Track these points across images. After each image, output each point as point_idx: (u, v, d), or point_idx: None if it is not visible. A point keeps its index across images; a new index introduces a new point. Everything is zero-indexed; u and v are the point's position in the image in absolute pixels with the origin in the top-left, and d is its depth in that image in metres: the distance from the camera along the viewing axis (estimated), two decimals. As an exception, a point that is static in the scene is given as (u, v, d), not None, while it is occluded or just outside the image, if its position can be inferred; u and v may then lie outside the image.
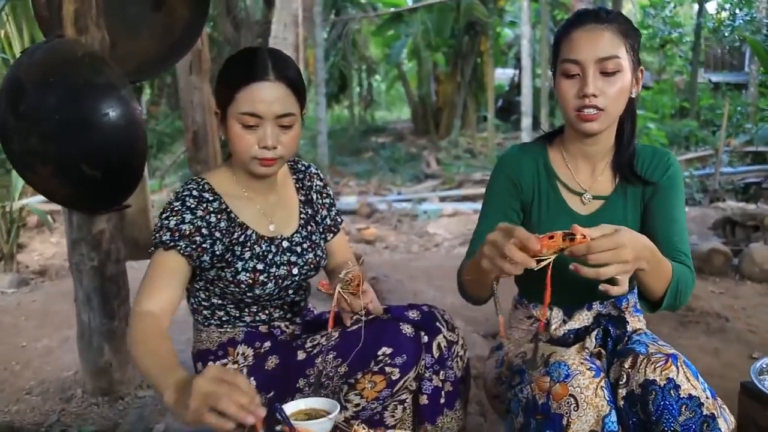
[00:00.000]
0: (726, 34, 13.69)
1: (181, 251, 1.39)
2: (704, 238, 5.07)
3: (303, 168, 1.69)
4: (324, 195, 1.70)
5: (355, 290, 1.42)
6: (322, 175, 1.73)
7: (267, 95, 1.38)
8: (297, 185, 1.66)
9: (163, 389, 1.14)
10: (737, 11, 12.86)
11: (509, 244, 1.11)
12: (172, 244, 1.38)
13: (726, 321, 3.10)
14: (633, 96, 1.43)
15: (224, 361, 1.54)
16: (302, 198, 1.65)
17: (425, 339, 1.47)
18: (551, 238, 1.13)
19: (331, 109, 18.26)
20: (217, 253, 1.44)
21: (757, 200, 7.18)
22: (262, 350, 1.56)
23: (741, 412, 1.51)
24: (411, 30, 14.02)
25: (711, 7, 15.16)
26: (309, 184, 1.67)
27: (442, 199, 8.61)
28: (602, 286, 1.16)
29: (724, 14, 15.16)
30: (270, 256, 1.52)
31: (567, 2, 11.87)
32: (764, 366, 1.51)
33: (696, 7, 15.10)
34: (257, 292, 1.50)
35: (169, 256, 1.39)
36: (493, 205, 1.56)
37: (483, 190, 1.66)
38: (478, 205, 1.96)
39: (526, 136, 10.24)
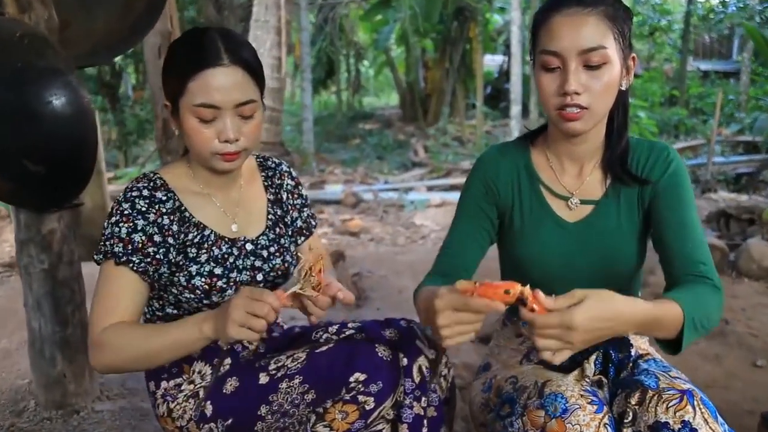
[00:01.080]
0: (716, 22, 13.56)
1: (134, 267, 1.24)
2: (698, 232, 4.93)
3: (273, 165, 1.53)
4: (295, 195, 1.54)
5: (318, 285, 1.21)
6: (294, 174, 1.56)
7: (223, 82, 1.21)
8: (265, 183, 1.50)
9: (202, 331, 1.19)
10: (728, -2, 12.73)
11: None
12: (124, 258, 1.23)
13: (726, 323, 2.96)
14: (623, 88, 1.24)
15: (178, 380, 1.38)
16: (271, 197, 1.49)
17: (404, 362, 1.31)
18: (507, 292, 0.97)
19: (318, 94, 18.00)
20: (171, 260, 1.29)
21: (750, 191, 7.09)
22: (221, 368, 1.39)
23: (759, 444, 1.35)
24: (399, 15, 13.75)
25: (700, -5, 15.05)
26: (279, 182, 1.51)
27: (430, 189, 8.44)
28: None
29: (714, 1, 15.04)
30: (231, 260, 1.35)
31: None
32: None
33: (686, -6, 14.97)
34: (215, 299, 1.33)
35: (121, 273, 1.24)
36: (466, 212, 1.39)
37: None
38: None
39: (515, 123, 10.09)
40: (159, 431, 2.00)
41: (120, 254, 1.23)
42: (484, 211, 1.37)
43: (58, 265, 2.07)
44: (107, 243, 1.24)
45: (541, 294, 0.98)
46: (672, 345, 1.12)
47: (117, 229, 1.24)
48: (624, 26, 1.20)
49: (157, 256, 1.27)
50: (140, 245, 1.25)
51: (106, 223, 1.28)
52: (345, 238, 5.69)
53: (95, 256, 1.27)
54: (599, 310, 0.98)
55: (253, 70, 1.27)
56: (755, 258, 3.74)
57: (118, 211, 1.27)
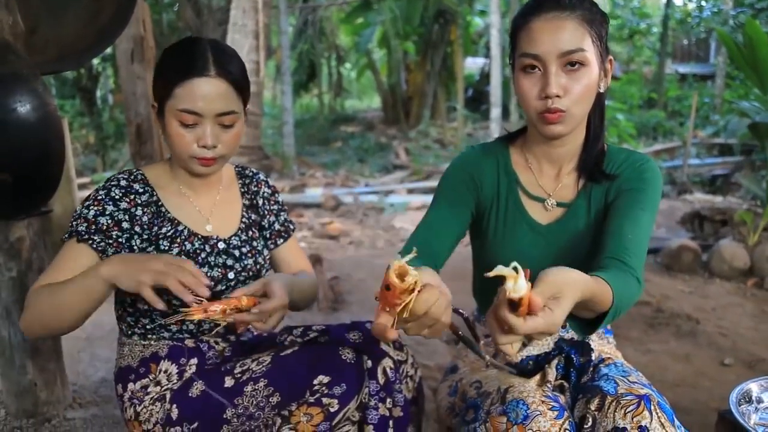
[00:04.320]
0: (692, 26, 13.76)
1: (94, 245, 1.30)
2: (673, 233, 5.01)
3: (250, 174, 1.61)
4: (272, 201, 1.61)
5: (231, 310, 1.27)
6: (271, 183, 1.64)
7: (207, 92, 1.29)
8: (242, 189, 1.57)
9: (98, 272, 1.20)
10: (704, 3, 12.91)
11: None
12: (86, 236, 1.29)
13: (696, 323, 3.00)
14: (601, 91, 1.25)
15: (145, 381, 1.40)
16: (246, 202, 1.55)
17: (369, 364, 1.34)
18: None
19: (300, 97, 17.96)
20: (134, 247, 1.35)
21: (724, 192, 7.20)
22: (187, 369, 1.41)
23: (718, 443, 1.37)
24: (380, 18, 13.78)
25: (678, -1, 15.28)
26: (255, 189, 1.58)
27: (410, 191, 8.46)
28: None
29: (691, 6, 15.26)
30: (203, 255, 1.41)
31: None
32: (743, 393, 1.36)
33: (664, -3, 15.19)
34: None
35: (80, 250, 1.30)
36: (446, 197, 1.36)
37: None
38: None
39: (495, 126, 10.14)
40: (130, 438, 1.99)
41: (83, 232, 1.29)
42: (464, 199, 1.36)
43: (28, 273, 2.04)
44: (74, 223, 1.31)
45: (535, 300, 0.88)
46: (583, 327, 1.09)
47: (86, 211, 1.32)
48: (601, 29, 1.21)
49: (120, 240, 1.33)
50: (104, 227, 1.31)
51: (78, 207, 1.35)
52: (324, 241, 5.69)
53: (62, 237, 1.33)
54: (573, 302, 0.93)
55: (238, 83, 1.33)
56: (726, 258, 3.80)
57: (93, 197, 1.34)
